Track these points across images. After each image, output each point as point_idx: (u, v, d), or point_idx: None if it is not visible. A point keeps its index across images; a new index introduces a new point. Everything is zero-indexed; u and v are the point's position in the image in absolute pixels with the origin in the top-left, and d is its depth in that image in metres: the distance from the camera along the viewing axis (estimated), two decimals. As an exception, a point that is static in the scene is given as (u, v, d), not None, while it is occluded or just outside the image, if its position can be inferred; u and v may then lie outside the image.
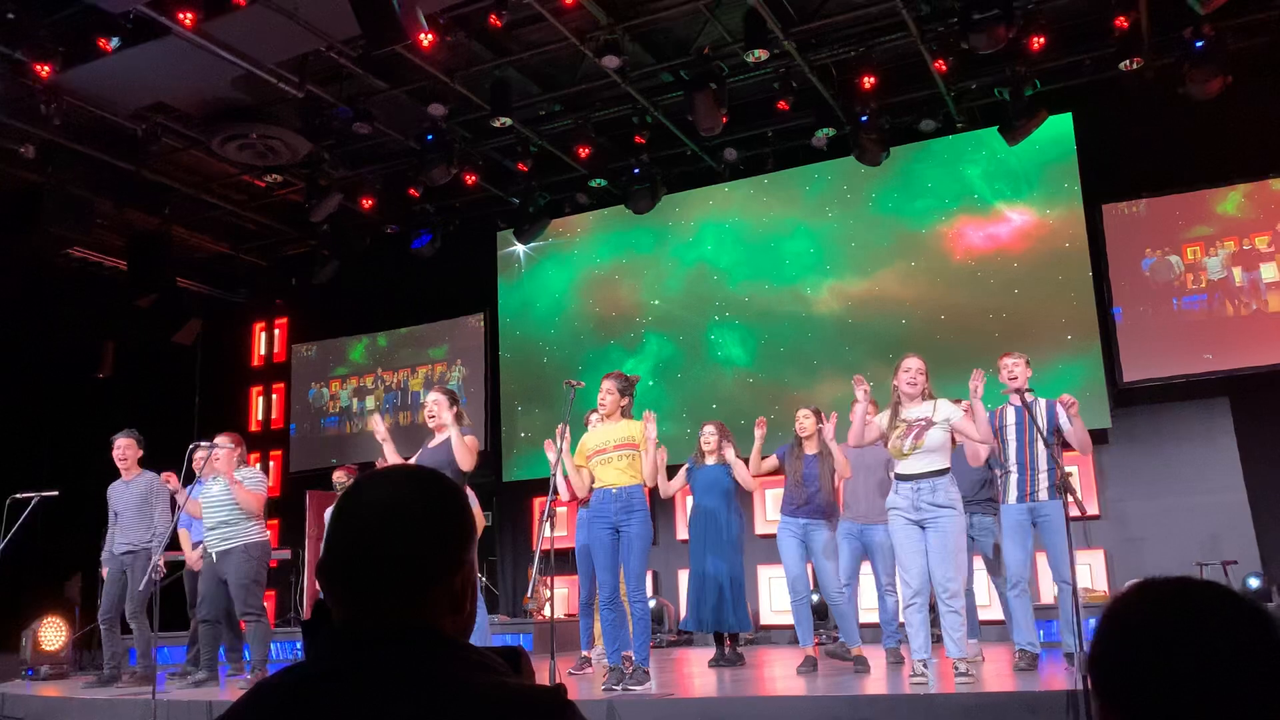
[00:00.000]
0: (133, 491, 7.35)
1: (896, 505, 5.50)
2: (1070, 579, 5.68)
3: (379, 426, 6.08)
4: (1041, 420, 5.88)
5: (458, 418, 5.86)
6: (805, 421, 6.69)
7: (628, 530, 5.68)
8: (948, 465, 5.51)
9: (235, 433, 7.25)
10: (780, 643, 8.89)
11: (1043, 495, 5.85)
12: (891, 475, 5.70)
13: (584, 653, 7.36)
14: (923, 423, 5.46)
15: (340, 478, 8.61)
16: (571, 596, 9.61)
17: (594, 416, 7.25)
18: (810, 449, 6.66)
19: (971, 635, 6.39)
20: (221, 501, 6.84)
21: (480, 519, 8.01)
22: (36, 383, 11.14)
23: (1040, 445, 5.84)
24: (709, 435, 7.20)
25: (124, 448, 7.41)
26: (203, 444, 6.55)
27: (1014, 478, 5.95)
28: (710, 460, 7.18)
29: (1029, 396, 5.65)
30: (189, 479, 6.80)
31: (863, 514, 6.70)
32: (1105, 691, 1.16)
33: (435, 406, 5.89)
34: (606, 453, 5.82)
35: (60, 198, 9.21)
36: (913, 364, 5.59)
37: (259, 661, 6.81)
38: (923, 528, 5.43)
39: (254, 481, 6.95)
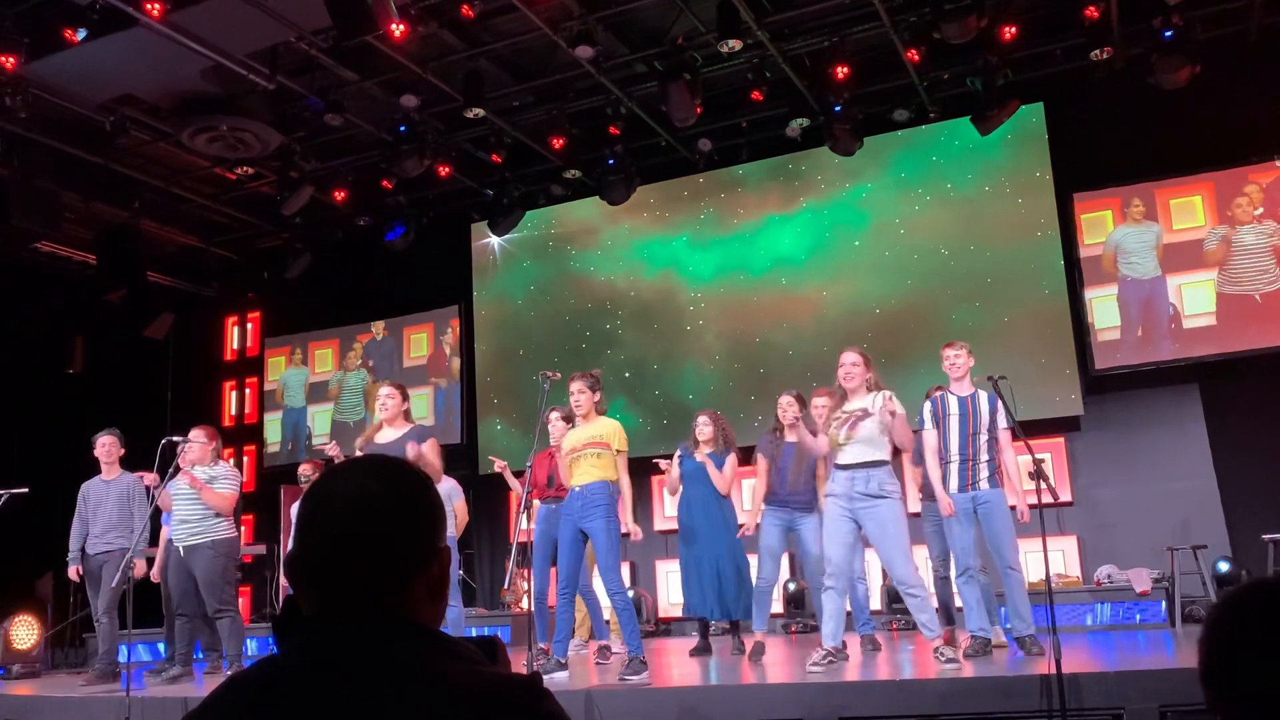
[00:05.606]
0: (113, 491, 7.30)
1: (833, 492, 5.71)
2: (1015, 565, 5.82)
3: (336, 450, 6.43)
4: (999, 410, 5.93)
5: (405, 415, 6.09)
6: (789, 410, 6.69)
7: (591, 526, 5.90)
8: (884, 457, 5.67)
9: (209, 426, 7.19)
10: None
11: (983, 484, 5.91)
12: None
13: (541, 645, 7.38)
14: (859, 413, 5.63)
15: (306, 471, 8.55)
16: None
17: (554, 415, 7.21)
18: (790, 437, 6.67)
19: (948, 624, 6.44)
20: (190, 496, 6.79)
21: (464, 513, 7.99)
22: (5, 379, 11.00)
23: (982, 436, 5.92)
24: (703, 426, 7.17)
25: (109, 445, 7.36)
26: (175, 438, 6.51)
27: (955, 466, 6.00)
28: (707, 449, 7.12)
29: (1000, 386, 5.66)
30: (161, 475, 6.75)
31: None
32: (1230, 703, 1.10)
33: (389, 400, 6.12)
34: (578, 451, 6.06)
35: (27, 191, 9.08)
36: (847, 358, 5.82)
37: (234, 657, 6.78)
38: (857, 522, 5.62)
39: (226, 482, 6.89)
